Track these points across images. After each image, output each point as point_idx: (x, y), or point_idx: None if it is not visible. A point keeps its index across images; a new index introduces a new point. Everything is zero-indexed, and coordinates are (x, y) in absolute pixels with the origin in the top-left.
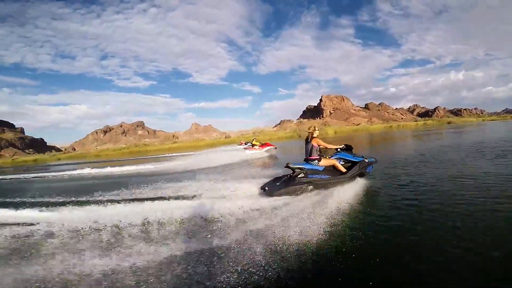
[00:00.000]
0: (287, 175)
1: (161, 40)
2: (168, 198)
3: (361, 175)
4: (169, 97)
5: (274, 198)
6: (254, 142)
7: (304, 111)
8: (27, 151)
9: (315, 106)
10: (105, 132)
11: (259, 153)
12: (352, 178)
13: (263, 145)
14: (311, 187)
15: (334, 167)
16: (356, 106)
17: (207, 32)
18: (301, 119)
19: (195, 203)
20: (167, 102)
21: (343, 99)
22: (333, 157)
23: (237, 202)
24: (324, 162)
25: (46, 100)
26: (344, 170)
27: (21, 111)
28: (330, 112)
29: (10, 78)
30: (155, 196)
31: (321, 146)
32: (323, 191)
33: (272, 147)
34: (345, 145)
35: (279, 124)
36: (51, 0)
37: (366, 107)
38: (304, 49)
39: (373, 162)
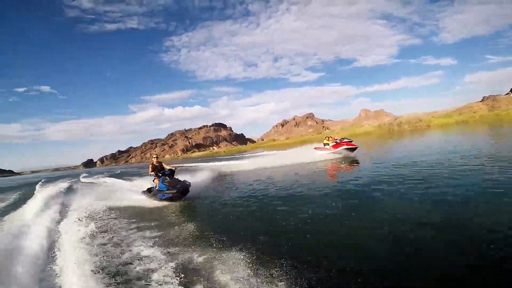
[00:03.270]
0: None
1: (312, 33)
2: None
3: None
4: (339, 85)
5: (145, 197)
6: (325, 141)
7: None
8: (233, 143)
9: None
10: (282, 125)
11: (328, 153)
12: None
13: (337, 144)
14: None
15: None
16: None
17: (353, 13)
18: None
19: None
20: (336, 90)
21: None
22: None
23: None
24: (156, 182)
25: (246, 103)
26: None
27: (233, 113)
28: None
29: (226, 88)
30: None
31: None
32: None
33: (346, 147)
34: (170, 169)
35: (481, 100)
36: (222, 20)
37: None
38: (504, 5)
39: (172, 190)
